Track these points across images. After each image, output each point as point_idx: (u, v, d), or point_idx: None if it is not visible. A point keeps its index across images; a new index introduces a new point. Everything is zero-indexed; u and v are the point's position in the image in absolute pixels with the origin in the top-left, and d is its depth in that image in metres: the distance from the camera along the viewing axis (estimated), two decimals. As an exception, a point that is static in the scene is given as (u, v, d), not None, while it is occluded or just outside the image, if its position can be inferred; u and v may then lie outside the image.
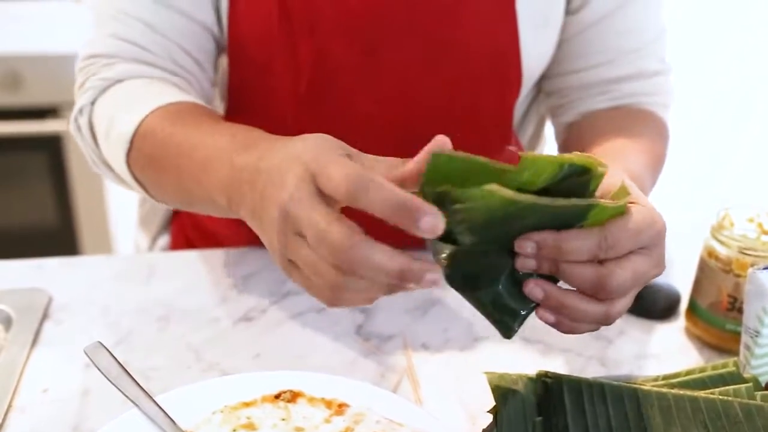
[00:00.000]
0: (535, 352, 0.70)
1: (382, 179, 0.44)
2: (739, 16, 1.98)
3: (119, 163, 0.68)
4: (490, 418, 0.54)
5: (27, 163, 1.65)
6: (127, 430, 0.53)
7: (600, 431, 0.52)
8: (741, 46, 2.00)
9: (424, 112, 0.77)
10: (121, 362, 0.59)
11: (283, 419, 0.55)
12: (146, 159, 0.66)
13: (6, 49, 1.53)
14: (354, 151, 0.49)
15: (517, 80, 0.77)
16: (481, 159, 0.45)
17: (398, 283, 0.44)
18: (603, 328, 0.52)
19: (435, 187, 0.45)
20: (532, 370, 0.57)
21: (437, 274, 0.44)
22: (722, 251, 0.68)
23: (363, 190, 0.43)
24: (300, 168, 0.47)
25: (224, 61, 0.77)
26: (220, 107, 0.84)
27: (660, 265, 0.51)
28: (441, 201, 0.45)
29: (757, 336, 0.59)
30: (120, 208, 1.67)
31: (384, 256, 0.43)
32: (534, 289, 0.50)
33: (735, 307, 0.67)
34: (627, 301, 0.51)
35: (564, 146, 0.84)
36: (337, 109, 0.76)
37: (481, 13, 0.73)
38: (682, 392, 0.54)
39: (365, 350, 0.69)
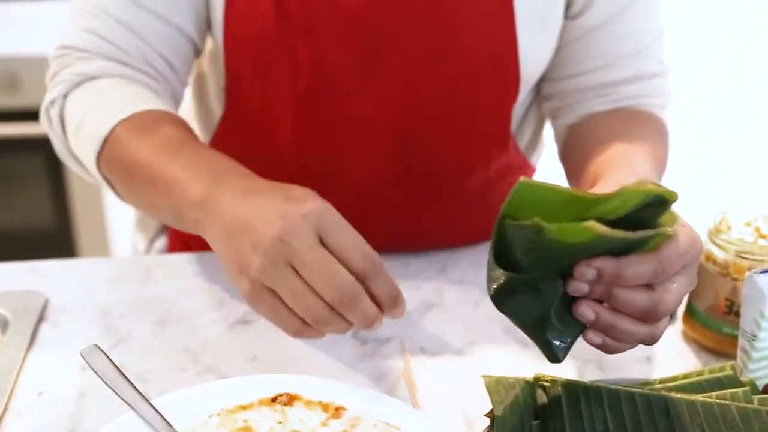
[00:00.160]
0: (532, 356, 0.69)
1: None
2: (738, 18, 1.99)
3: (89, 162, 0.70)
4: (487, 421, 0.54)
5: (24, 165, 1.64)
6: (123, 434, 0.53)
7: (597, 435, 0.52)
8: (738, 49, 2.01)
9: (422, 113, 0.77)
10: (117, 365, 0.59)
11: (280, 422, 0.55)
12: (116, 163, 0.68)
13: (4, 51, 1.53)
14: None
15: (515, 83, 0.77)
16: (565, 188, 0.45)
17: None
18: None
19: (518, 218, 0.45)
20: (529, 374, 0.56)
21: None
22: (719, 255, 0.68)
23: (376, 273, 0.53)
24: (307, 207, 0.52)
25: (222, 61, 0.77)
26: (217, 109, 0.84)
27: (694, 282, 0.53)
28: (519, 233, 0.45)
29: (754, 340, 0.59)
30: (117, 211, 1.67)
31: (372, 312, 0.53)
32: (586, 310, 0.50)
33: (732, 310, 0.67)
34: (667, 320, 0.52)
35: (564, 149, 0.84)
36: (335, 111, 0.76)
37: (480, 15, 0.73)
38: (679, 396, 0.54)
39: (362, 353, 0.69)
